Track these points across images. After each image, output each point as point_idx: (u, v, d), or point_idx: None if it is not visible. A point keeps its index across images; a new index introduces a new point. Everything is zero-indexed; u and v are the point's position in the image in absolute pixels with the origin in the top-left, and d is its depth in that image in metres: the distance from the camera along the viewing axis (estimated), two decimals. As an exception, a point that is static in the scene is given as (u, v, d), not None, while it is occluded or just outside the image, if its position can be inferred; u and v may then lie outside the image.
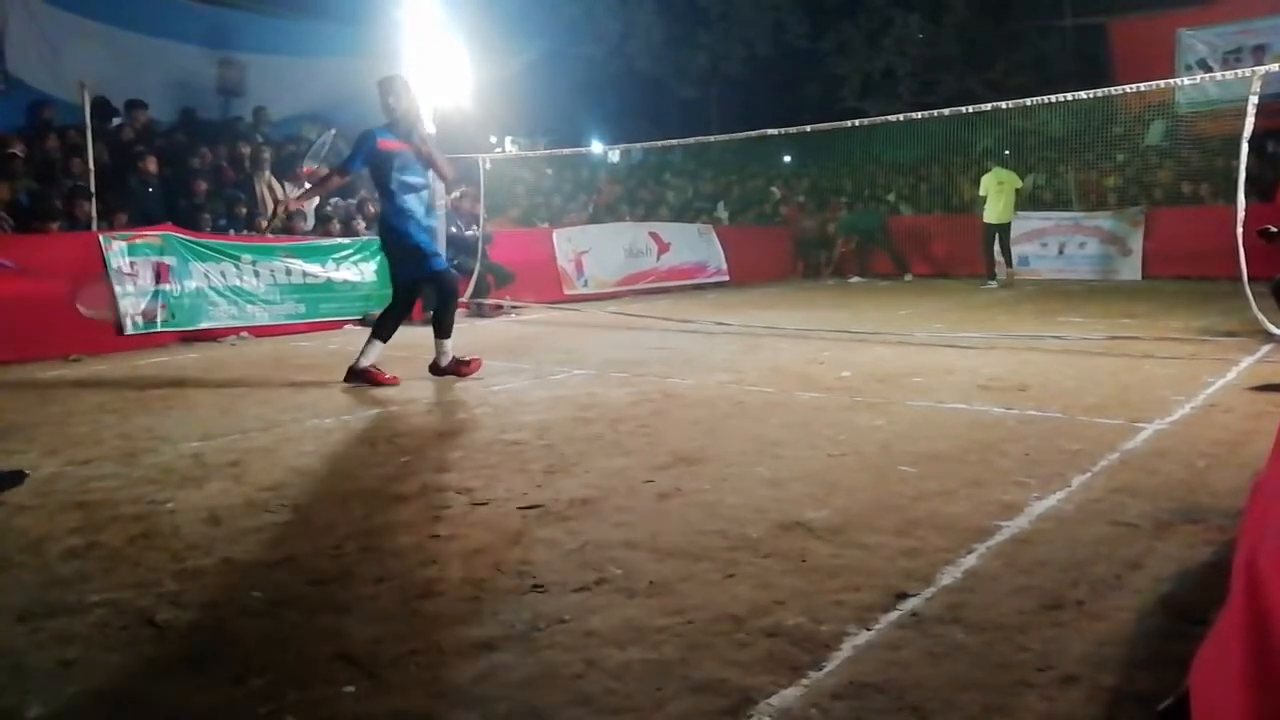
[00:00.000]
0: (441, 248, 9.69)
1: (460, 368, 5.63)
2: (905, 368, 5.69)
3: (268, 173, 9.75)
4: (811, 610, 2.19)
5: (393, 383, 5.40)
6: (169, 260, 7.75)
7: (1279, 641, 1.16)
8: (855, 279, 14.07)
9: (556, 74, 16.55)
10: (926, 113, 8.15)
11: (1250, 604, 1.25)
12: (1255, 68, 6.78)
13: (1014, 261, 12.93)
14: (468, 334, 8.30)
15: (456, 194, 10.38)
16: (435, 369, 5.63)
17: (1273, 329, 6.16)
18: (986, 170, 12.68)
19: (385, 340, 5.50)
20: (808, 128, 8.52)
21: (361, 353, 5.44)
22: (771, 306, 10.15)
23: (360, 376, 5.40)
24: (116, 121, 9.86)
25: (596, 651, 2.01)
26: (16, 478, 3.48)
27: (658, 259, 12.62)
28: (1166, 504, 2.91)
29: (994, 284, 12.24)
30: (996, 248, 12.51)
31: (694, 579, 2.41)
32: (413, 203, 5.49)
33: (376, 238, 9.31)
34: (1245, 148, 6.37)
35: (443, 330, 5.61)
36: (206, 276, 8.00)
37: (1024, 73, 16.69)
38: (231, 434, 4.24)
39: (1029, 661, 1.92)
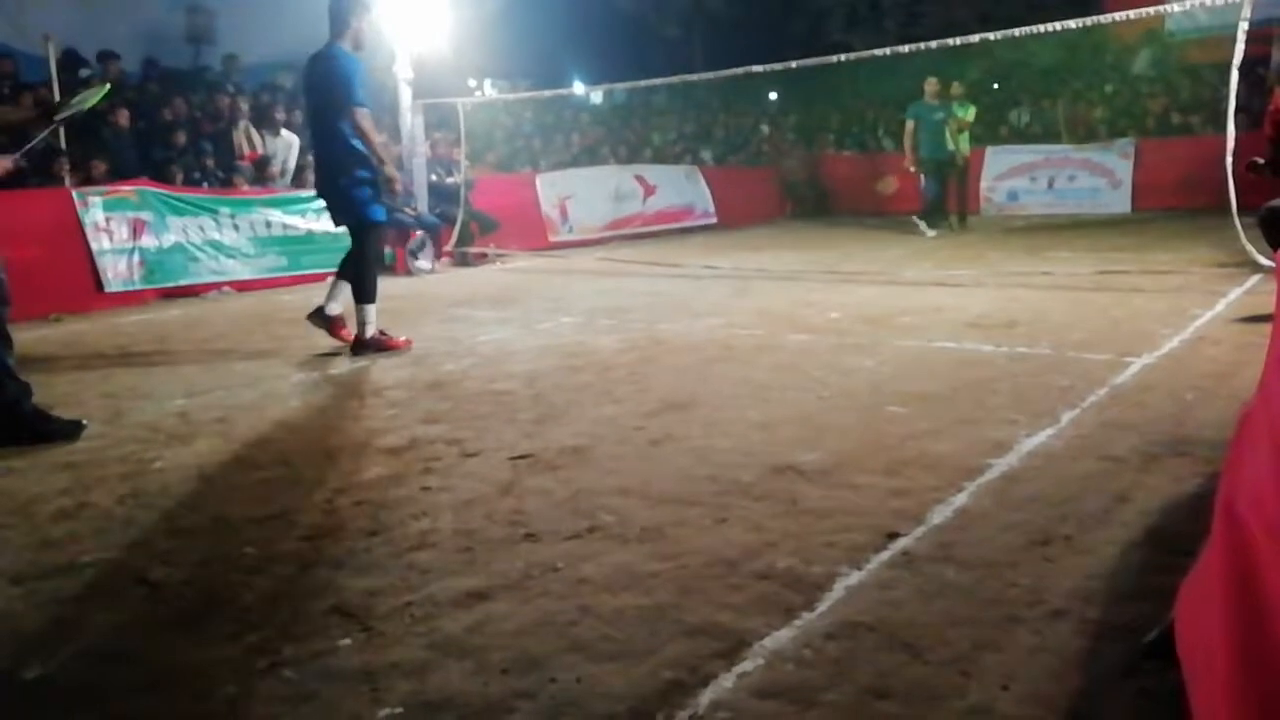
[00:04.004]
0: (420, 193, 9.57)
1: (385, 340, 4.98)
2: (894, 307, 5.67)
3: (245, 122, 9.53)
4: (803, 552, 2.20)
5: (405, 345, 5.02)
6: (145, 216, 7.61)
7: (1255, 578, 1.17)
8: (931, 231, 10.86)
9: (535, 14, 16.15)
10: (913, 46, 7.96)
11: (1229, 542, 1.25)
12: (1247, -7, 6.65)
13: (1002, 197, 12.80)
14: (453, 283, 8.24)
15: (436, 136, 10.20)
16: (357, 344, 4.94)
17: (1261, 259, 6.16)
18: (957, 99, 11.37)
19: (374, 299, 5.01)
20: (793, 64, 8.34)
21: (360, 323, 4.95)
22: (760, 248, 10.08)
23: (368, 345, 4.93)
24: (85, 73, 9.58)
25: (590, 598, 2.02)
26: (74, 428, 3.49)
27: (644, 202, 12.46)
28: (1154, 438, 2.93)
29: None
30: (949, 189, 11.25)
31: (686, 524, 2.41)
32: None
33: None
34: (1235, 75, 6.29)
35: (363, 294, 4.96)
36: (185, 231, 7.87)
37: (1012, 2, 16.38)
38: (217, 390, 4.21)
39: (1019, 597, 1.94)
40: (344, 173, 4.84)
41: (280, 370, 4.63)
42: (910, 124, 11.03)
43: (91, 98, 4.10)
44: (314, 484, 2.88)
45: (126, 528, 2.59)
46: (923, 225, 10.90)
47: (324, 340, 5.28)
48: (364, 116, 4.76)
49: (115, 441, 3.45)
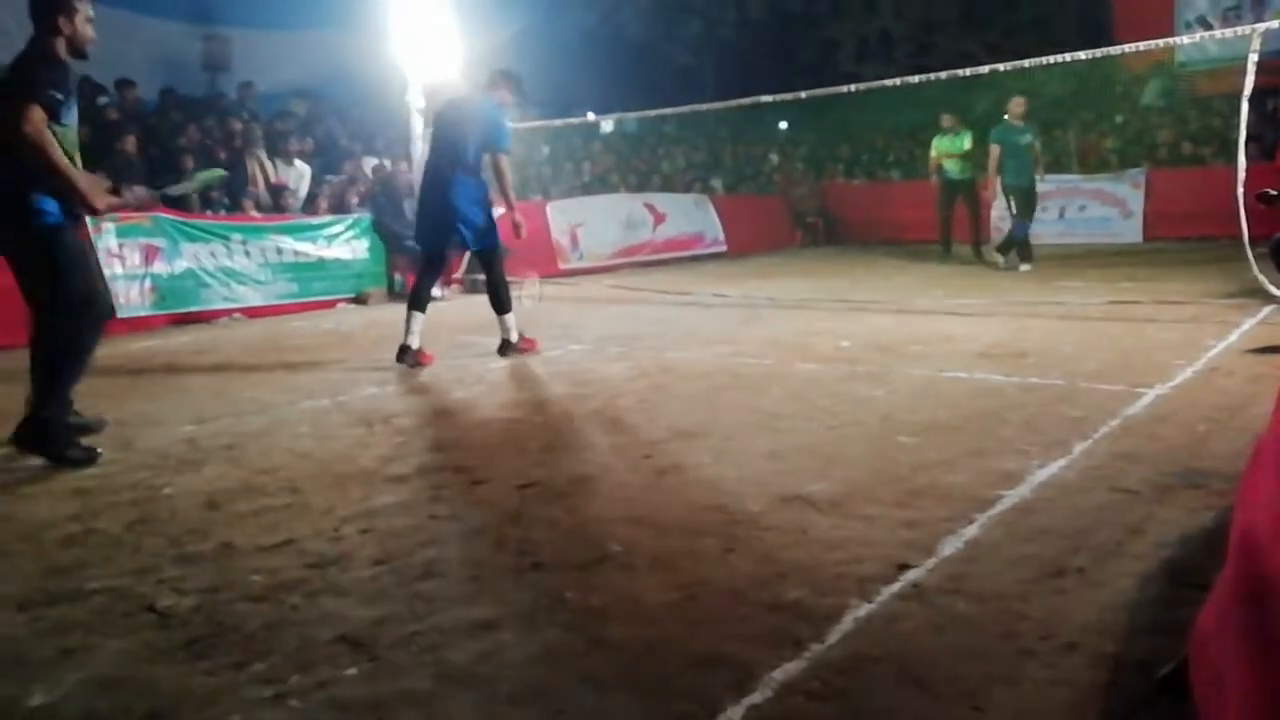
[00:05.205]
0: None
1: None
2: (905, 336, 5.66)
3: (260, 151, 9.63)
4: (813, 583, 2.18)
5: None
6: (159, 242, 7.68)
7: (1276, 609, 1.15)
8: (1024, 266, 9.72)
9: (547, 43, 16.34)
10: (923, 76, 8.01)
11: (1247, 572, 1.23)
12: (1255, 24, 6.69)
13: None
14: (462, 310, 8.26)
15: None
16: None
17: (1273, 290, 6.13)
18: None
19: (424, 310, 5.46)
20: (803, 94, 8.41)
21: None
22: (769, 277, 10.10)
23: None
24: (102, 101, 9.73)
25: (599, 629, 2.01)
26: (88, 455, 3.52)
27: (654, 230, 12.52)
28: (1167, 469, 2.90)
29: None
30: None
31: (695, 554, 2.40)
32: None
33: (367, 215, 9.30)
34: (1245, 106, 6.30)
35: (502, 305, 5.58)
36: (197, 257, 7.93)
37: (1023, 34, 16.49)
38: (226, 417, 4.22)
39: (1030, 630, 1.92)
40: (485, 206, 5.47)
41: (289, 397, 4.65)
42: (996, 149, 9.75)
43: (206, 178, 5.16)
44: (321, 511, 2.88)
45: (134, 554, 2.58)
46: (1000, 259, 9.95)
47: (333, 366, 5.31)
48: (508, 163, 5.54)
49: (125, 468, 3.45)
